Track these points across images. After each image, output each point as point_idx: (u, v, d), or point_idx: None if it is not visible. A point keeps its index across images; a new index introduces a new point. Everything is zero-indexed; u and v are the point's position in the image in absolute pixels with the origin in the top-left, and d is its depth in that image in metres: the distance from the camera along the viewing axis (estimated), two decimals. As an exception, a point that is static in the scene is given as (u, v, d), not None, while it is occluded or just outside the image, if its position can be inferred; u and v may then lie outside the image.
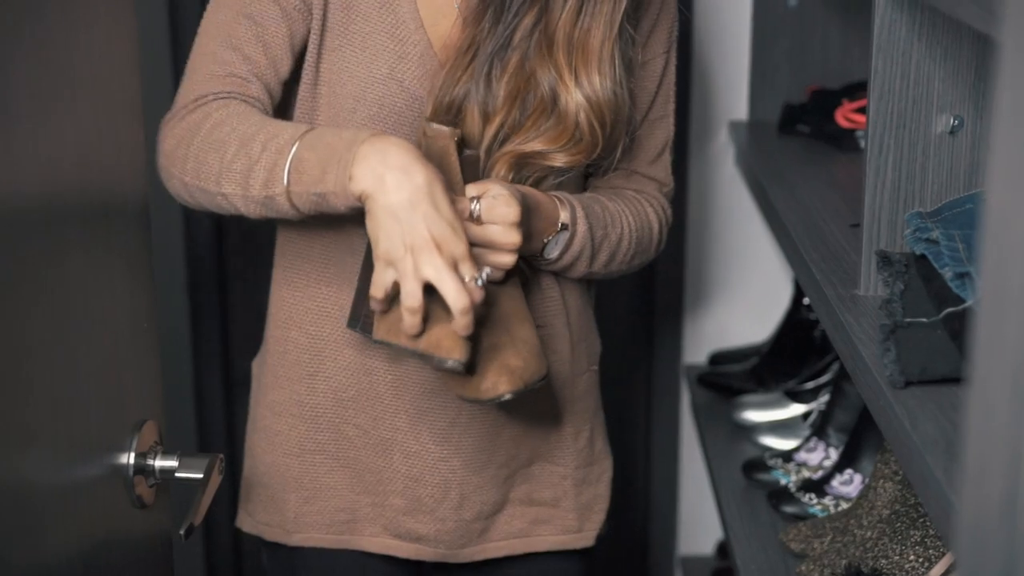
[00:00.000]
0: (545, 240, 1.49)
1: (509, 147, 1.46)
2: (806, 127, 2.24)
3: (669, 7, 1.57)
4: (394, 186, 1.30)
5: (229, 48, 1.46)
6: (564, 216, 1.49)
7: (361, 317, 1.42)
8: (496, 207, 1.39)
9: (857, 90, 2.18)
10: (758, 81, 2.36)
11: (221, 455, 1.28)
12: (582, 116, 1.46)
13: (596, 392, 1.70)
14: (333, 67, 1.48)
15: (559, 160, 1.48)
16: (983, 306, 0.73)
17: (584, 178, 1.62)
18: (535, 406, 1.60)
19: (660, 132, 1.62)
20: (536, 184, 1.50)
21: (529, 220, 1.44)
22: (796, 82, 2.33)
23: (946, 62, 1.40)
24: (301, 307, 1.58)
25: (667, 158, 1.64)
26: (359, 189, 1.32)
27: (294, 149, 1.35)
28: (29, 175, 1.02)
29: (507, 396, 1.37)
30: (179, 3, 2.40)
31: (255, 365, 1.67)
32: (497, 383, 1.37)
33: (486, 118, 1.46)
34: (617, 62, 1.48)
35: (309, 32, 1.48)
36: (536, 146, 1.46)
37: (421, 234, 1.30)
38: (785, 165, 2.09)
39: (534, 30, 1.46)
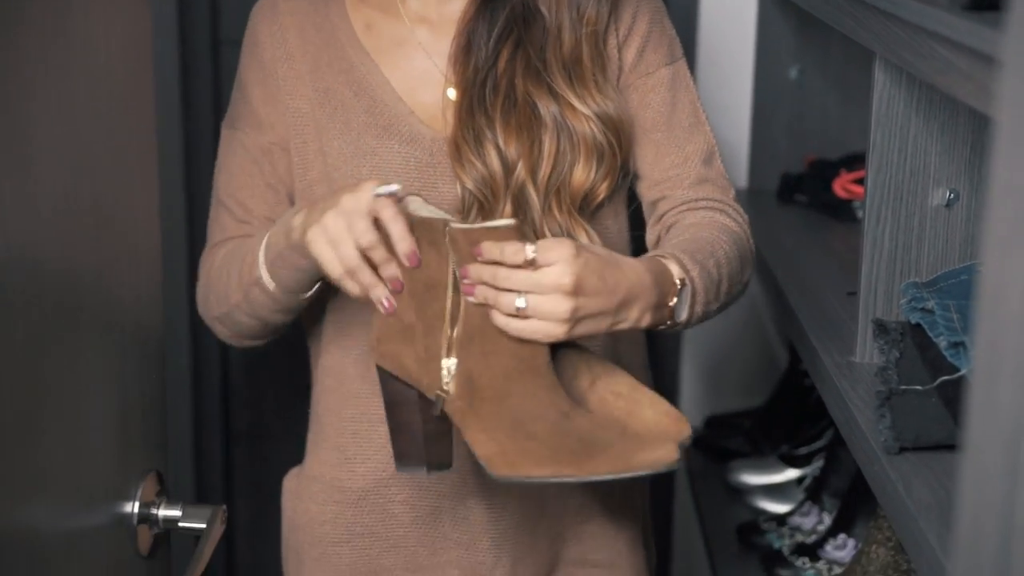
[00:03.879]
0: (671, 304, 1.36)
1: (561, 195, 1.45)
2: (804, 197, 2.26)
3: (660, 23, 1.55)
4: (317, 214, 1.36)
5: (237, 202, 1.55)
6: (676, 271, 1.38)
7: (404, 455, 1.35)
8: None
9: (855, 161, 2.21)
10: (757, 151, 2.40)
11: (224, 506, 1.30)
12: (598, 132, 1.46)
13: None
14: (328, 159, 1.51)
15: (603, 189, 1.46)
16: (977, 376, 0.75)
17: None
18: None
19: (698, 136, 1.54)
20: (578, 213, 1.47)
21: (650, 295, 1.33)
22: (795, 152, 2.36)
23: (943, 136, 1.43)
24: (338, 391, 1.57)
25: (719, 165, 1.57)
26: (301, 235, 1.37)
27: (267, 235, 1.45)
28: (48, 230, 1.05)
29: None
30: (194, 161, 2.43)
31: (292, 473, 1.65)
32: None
33: (502, 157, 1.45)
34: (610, 81, 1.49)
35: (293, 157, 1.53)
36: (580, 178, 1.45)
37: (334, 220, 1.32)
38: (783, 234, 2.11)
39: (516, 53, 1.47)
